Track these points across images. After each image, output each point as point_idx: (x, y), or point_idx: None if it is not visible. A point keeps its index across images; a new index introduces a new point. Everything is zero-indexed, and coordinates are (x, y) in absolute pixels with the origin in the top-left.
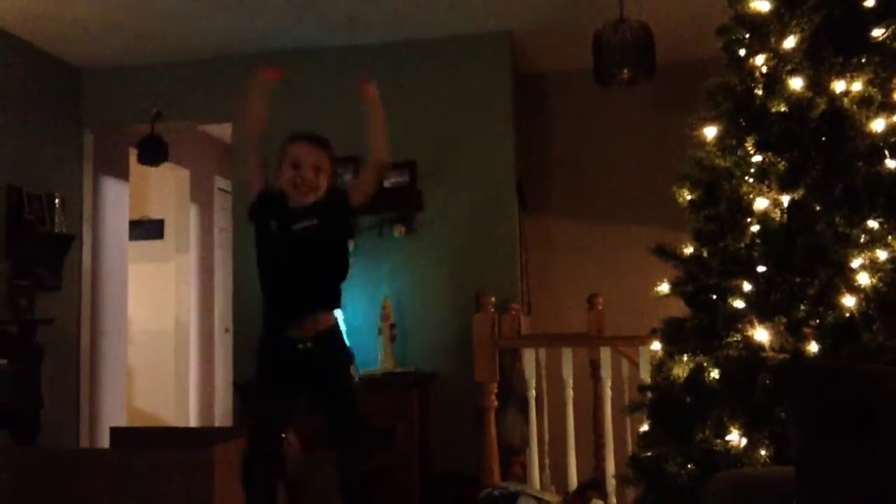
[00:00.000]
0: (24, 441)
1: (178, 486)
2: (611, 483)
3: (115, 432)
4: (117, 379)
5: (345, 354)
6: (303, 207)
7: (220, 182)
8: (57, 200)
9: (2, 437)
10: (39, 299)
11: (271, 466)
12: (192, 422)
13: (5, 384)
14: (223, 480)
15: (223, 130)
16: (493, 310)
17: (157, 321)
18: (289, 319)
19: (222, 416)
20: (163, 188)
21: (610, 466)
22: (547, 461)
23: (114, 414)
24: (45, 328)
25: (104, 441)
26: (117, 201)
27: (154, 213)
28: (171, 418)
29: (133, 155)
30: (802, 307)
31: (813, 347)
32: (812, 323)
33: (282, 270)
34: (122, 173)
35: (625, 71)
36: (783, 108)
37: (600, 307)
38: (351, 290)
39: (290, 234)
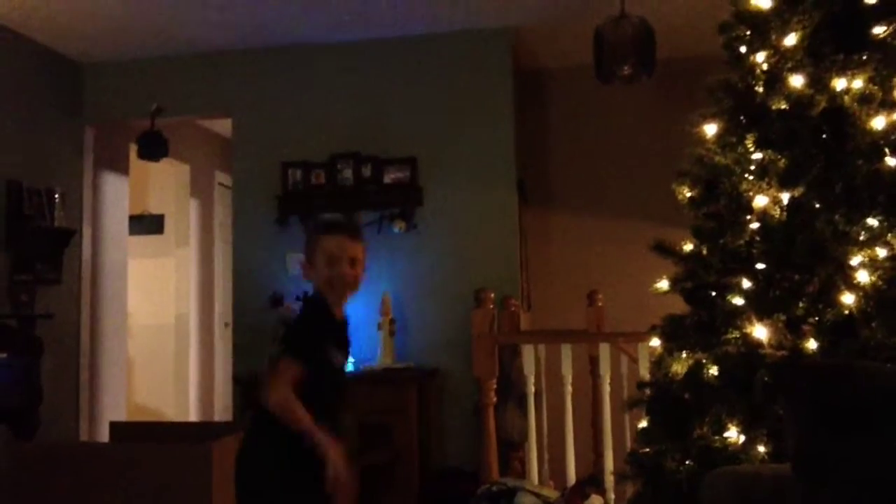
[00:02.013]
0: (23, 435)
1: (177, 480)
2: (609, 479)
3: (115, 427)
4: (117, 373)
5: None
6: (342, 322)
7: (221, 177)
8: (57, 195)
9: (1, 432)
10: (39, 294)
11: None
12: (192, 416)
13: (5, 378)
14: (222, 475)
15: (223, 125)
16: (492, 306)
17: (157, 316)
18: None
19: (222, 410)
20: (163, 183)
21: (608, 462)
22: (546, 456)
23: (113, 408)
24: (44, 322)
25: (104, 435)
26: (117, 196)
27: (154, 208)
28: (171, 413)
29: (133, 150)
30: (801, 304)
31: (812, 345)
32: (811, 320)
33: (333, 404)
34: (123, 168)
35: (625, 67)
36: (784, 106)
37: (600, 304)
38: None
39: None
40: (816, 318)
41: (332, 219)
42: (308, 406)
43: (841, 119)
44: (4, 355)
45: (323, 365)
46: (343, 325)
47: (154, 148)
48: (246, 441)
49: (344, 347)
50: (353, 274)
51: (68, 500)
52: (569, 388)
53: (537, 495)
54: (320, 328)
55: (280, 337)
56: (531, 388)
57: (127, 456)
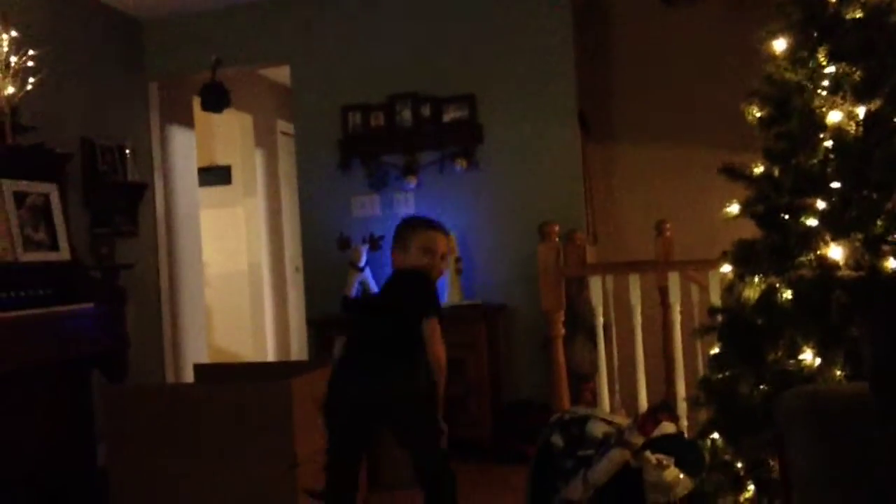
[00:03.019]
0: (114, 379)
1: (260, 416)
2: (681, 406)
3: (199, 368)
4: (196, 319)
5: None
6: None
7: (283, 125)
8: (128, 151)
9: (95, 376)
10: (118, 246)
11: None
12: (270, 357)
13: (94, 327)
14: (302, 409)
15: (282, 74)
16: (557, 239)
17: (231, 263)
18: None
19: (298, 350)
20: (228, 134)
21: (680, 390)
22: (617, 387)
23: (196, 352)
24: (126, 273)
25: (188, 377)
26: (185, 149)
27: (221, 160)
28: (249, 355)
29: (197, 103)
30: (879, 223)
31: (891, 264)
32: (890, 238)
33: None
34: (188, 121)
35: None
36: (858, 14)
37: (668, 234)
38: None
39: None
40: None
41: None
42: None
43: None
44: (91, 305)
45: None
46: None
47: (216, 99)
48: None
49: None
50: (443, 266)
51: (159, 437)
52: (638, 319)
53: (609, 422)
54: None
55: (421, 300)
56: (600, 320)
57: (212, 395)
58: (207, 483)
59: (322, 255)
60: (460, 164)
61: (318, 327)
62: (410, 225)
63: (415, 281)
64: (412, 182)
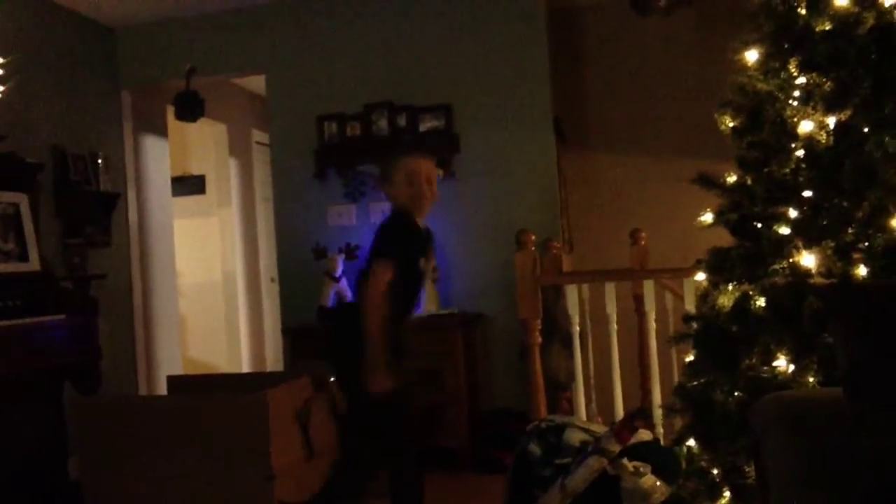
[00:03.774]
0: (86, 391)
1: (235, 429)
2: (657, 413)
3: (172, 380)
4: (170, 329)
5: None
6: (427, 235)
7: (258, 135)
8: (100, 160)
9: (66, 388)
10: (91, 256)
11: None
12: (245, 368)
13: (65, 338)
14: (277, 422)
15: (257, 83)
16: (533, 248)
17: (206, 273)
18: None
19: (273, 361)
20: (202, 144)
21: (656, 397)
22: (593, 395)
23: (169, 363)
24: (98, 283)
25: (161, 389)
26: (158, 158)
27: (195, 169)
28: (224, 366)
29: (171, 112)
30: (851, 230)
31: (862, 271)
32: (861, 246)
33: (411, 303)
34: (162, 130)
35: None
36: (828, 26)
37: (643, 242)
38: None
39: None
40: (866, 244)
41: (410, 145)
42: (395, 303)
43: (890, 37)
44: (62, 316)
45: (411, 268)
46: (428, 235)
47: (190, 108)
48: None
49: (429, 255)
50: (432, 191)
51: (132, 450)
52: (614, 327)
53: (586, 430)
54: (407, 236)
55: (372, 252)
56: (576, 329)
57: (185, 407)
58: (182, 496)
59: (297, 265)
60: (437, 174)
61: (294, 337)
62: (392, 156)
63: (376, 234)
64: None
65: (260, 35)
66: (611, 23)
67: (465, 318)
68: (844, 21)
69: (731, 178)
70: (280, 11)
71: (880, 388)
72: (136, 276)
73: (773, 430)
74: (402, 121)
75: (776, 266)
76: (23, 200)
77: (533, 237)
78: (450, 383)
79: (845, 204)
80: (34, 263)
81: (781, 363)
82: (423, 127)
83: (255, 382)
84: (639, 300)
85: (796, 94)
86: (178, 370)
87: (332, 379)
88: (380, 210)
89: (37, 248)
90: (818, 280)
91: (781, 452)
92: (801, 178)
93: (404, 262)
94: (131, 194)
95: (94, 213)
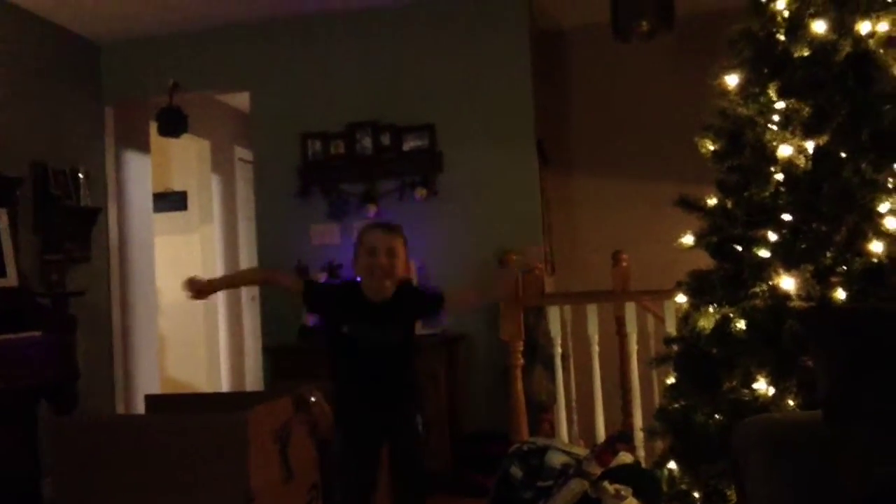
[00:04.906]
0: (63, 410)
1: (214, 449)
2: (639, 436)
3: (151, 399)
4: (149, 348)
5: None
6: (382, 304)
7: (241, 152)
8: (81, 175)
9: (42, 407)
10: (70, 273)
11: None
12: (225, 388)
13: (42, 355)
14: (257, 443)
15: (241, 100)
16: (516, 269)
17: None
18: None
19: (253, 381)
20: (184, 160)
21: (637, 420)
22: (575, 417)
23: (147, 383)
24: (77, 300)
25: (139, 408)
26: (140, 174)
27: (177, 185)
28: (203, 386)
29: (154, 128)
30: (829, 254)
31: (840, 294)
32: (839, 270)
33: (360, 374)
34: (144, 146)
35: (643, 23)
36: (806, 53)
37: (625, 264)
38: None
39: (371, 341)
40: (845, 268)
41: (372, 220)
42: (337, 371)
43: (866, 64)
44: (39, 333)
45: (335, 331)
46: (379, 306)
47: (174, 124)
48: None
49: (378, 323)
50: (387, 264)
51: (108, 471)
52: (595, 348)
53: (568, 453)
54: (336, 295)
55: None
56: (558, 350)
57: (164, 427)
58: None
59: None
60: (420, 193)
61: (275, 357)
62: (360, 232)
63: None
64: (372, 210)
65: (244, 52)
66: (593, 47)
67: (447, 338)
68: (822, 48)
69: (712, 201)
70: (265, 29)
71: (859, 410)
72: (116, 294)
73: (753, 453)
74: (385, 140)
75: (756, 289)
76: (1, 215)
77: (515, 258)
78: (432, 405)
79: (824, 228)
80: (11, 279)
81: (762, 386)
82: (406, 146)
83: (236, 402)
84: (620, 322)
85: (775, 118)
86: (157, 389)
87: (313, 399)
88: None
89: (14, 263)
90: (797, 303)
91: (762, 475)
92: (780, 202)
93: (328, 322)
94: (112, 210)
95: (73, 229)
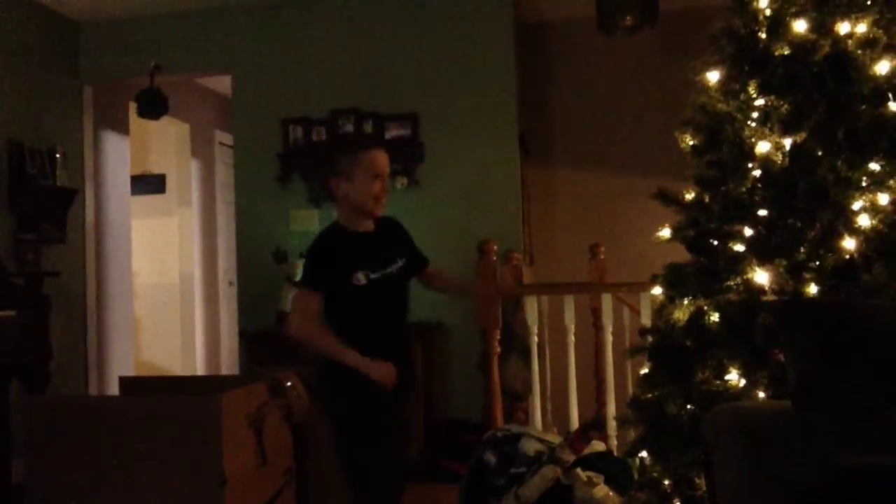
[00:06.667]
0: (35, 390)
1: (188, 432)
2: (611, 424)
3: (125, 382)
4: (124, 330)
5: None
6: (375, 235)
7: (221, 136)
8: (58, 155)
9: (14, 387)
10: (45, 253)
11: None
12: (199, 372)
13: (15, 335)
14: (231, 427)
15: (223, 84)
16: (495, 258)
17: (162, 275)
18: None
19: (229, 366)
20: (163, 142)
21: (611, 409)
22: (549, 406)
23: (122, 365)
24: (51, 281)
25: (113, 391)
26: (118, 155)
27: (155, 168)
28: (178, 370)
29: (133, 109)
30: (803, 250)
31: (813, 289)
32: (812, 265)
33: (376, 320)
34: (123, 127)
35: (627, 18)
36: (786, 51)
37: (602, 257)
38: None
39: (382, 279)
40: (818, 263)
41: (363, 136)
42: (344, 327)
43: (844, 64)
44: (13, 312)
45: (345, 288)
46: (374, 237)
47: (153, 106)
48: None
49: (376, 261)
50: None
51: (80, 453)
52: (571, 339)
53: (541, 440)
54: (331, 255)
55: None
56: (534, 340)
57: (137, 408)
58: (131, 501)
59: (257, 268)
60: (401, 182)
61: (251, 342)
62: (356, 154)
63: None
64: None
65: (227, 35)
66: (576, 40)
67: (424, 327)
68: (802, 47)
69: (690, 196)
70: (248, 12)
71: (826, 398)
72: (91, 275)
73: (723, 439)
74: (368, 127)
75: (730, 282)
76: None
77: (495, 248)
78: None
79: (798, 224)
80: None
81: (733, 377)
82: (388, 134)
83: (210, 385)
84: (596, 313)
85: (754, 115)
86: (131, 372)
87: (288, 384)
88: None
89: None
90: (771, 297)
91: (731, 460)
92: (756, 198)
93: (337, 285)
94: (89, 191)
95: (50, 209)
